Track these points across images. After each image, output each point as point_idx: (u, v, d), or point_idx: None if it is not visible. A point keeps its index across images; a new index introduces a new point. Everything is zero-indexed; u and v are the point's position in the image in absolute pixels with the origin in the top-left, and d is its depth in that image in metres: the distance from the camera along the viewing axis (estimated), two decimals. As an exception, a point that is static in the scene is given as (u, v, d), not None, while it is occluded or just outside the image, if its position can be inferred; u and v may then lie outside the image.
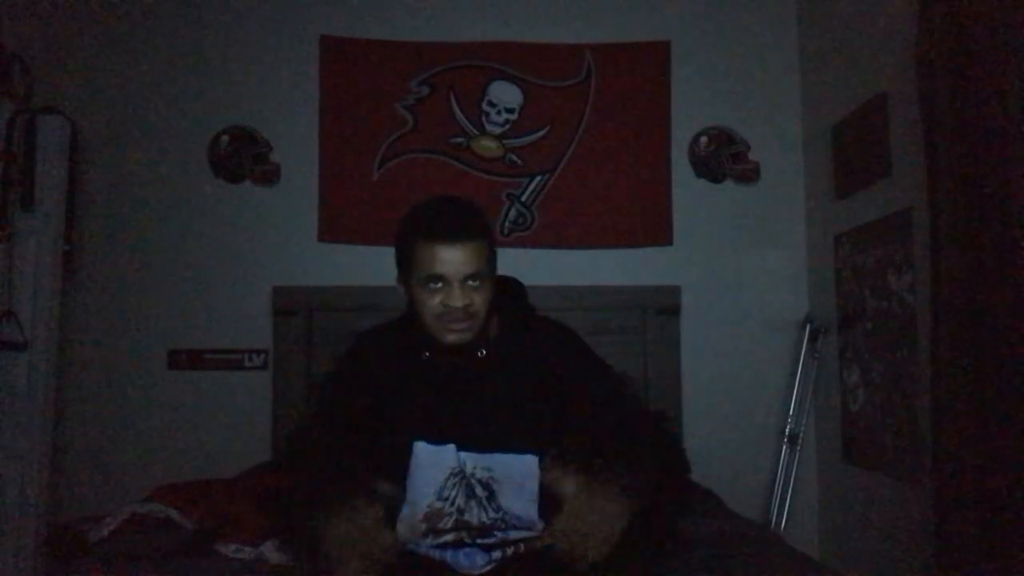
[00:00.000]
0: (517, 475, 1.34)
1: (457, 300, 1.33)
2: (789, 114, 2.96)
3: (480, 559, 1.34)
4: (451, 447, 1.35)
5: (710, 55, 2.98)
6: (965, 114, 1.74)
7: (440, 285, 1.34)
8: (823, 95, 2.79)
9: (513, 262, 1.72)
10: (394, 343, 1.49)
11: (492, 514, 1.33)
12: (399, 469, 1.37)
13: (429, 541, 1.34)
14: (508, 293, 1.51)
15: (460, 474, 1.34)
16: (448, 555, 1.34)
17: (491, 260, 1.40)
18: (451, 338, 1.36)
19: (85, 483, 2.69)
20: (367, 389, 1.46)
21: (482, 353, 1.41)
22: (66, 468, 2.68)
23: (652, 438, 1.40)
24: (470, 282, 1.34)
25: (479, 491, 1.34)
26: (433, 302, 1.34)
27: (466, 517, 1.33)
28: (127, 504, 2.07)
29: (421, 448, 1.36)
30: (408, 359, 1.45)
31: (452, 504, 1.34)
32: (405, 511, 1.35)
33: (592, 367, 1.49)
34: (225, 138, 2.87)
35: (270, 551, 1.75)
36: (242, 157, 2.87)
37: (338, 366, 1.57)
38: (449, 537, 1.34)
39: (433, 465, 1.35)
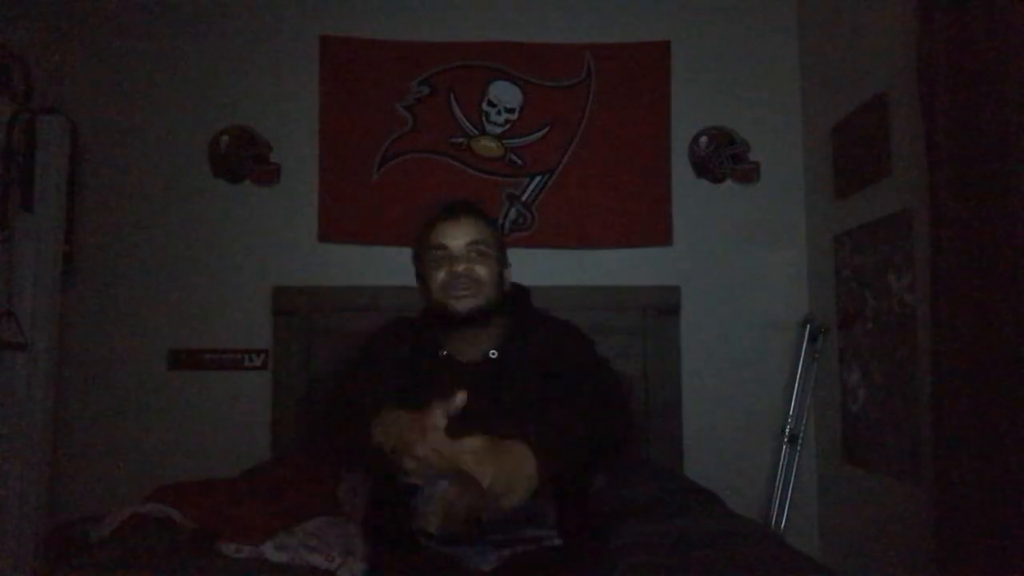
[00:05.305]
0: None
1: (459, 265, 1.44)
2: (789, 114, 2.96)
3: (490, 555, 1.35)
4: None
5: (710, 55, 2.97)
6: (965, 114, 1.74)
7: (444, 254, 1.46)
8: (823, 95, 2.78)
9: (513, 262, 1.72)
10: (415, 337, 1.56)
11: None
12: None
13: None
14: (512, 296, 1.57)
15: None
16: (459, 551, 1.34)
17: (493, 239, 1.51)
18: (458, 306, 1.43)
19: (85, 483, 2.69)
20: (389, 366, 1.52)
21: (494, 354, 1.46)
22: (66, 468, 2.67)
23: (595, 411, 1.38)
24: (472, 253, 1.45)
25: None
26: (439, 273, 1.46)
27: None
28: (127, 504, 2.07)
29: None
30: (426, 355, 1.51)
31: None
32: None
33: (587, 364, 1.51)
34: (225, 138, 2.87)
35: (270, 551, 1.76)
36: (242, 157, 2.87)
37: (365, 344, 1.64)
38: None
39: None
